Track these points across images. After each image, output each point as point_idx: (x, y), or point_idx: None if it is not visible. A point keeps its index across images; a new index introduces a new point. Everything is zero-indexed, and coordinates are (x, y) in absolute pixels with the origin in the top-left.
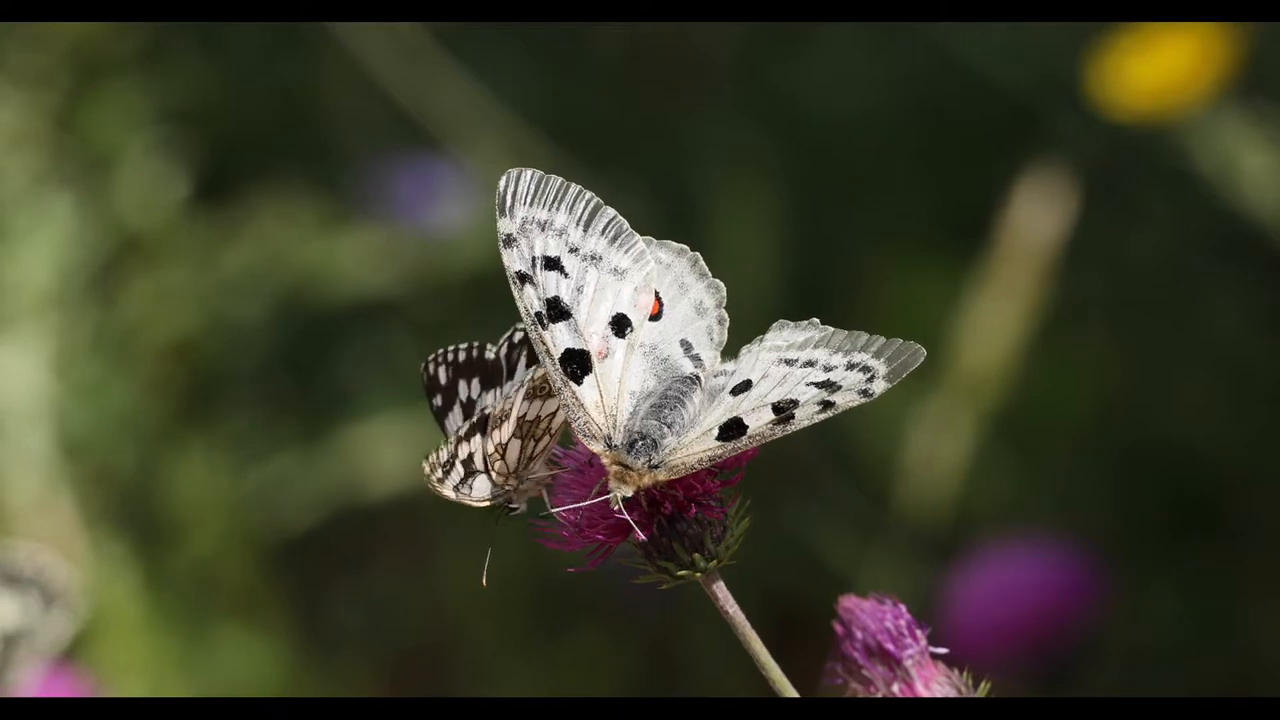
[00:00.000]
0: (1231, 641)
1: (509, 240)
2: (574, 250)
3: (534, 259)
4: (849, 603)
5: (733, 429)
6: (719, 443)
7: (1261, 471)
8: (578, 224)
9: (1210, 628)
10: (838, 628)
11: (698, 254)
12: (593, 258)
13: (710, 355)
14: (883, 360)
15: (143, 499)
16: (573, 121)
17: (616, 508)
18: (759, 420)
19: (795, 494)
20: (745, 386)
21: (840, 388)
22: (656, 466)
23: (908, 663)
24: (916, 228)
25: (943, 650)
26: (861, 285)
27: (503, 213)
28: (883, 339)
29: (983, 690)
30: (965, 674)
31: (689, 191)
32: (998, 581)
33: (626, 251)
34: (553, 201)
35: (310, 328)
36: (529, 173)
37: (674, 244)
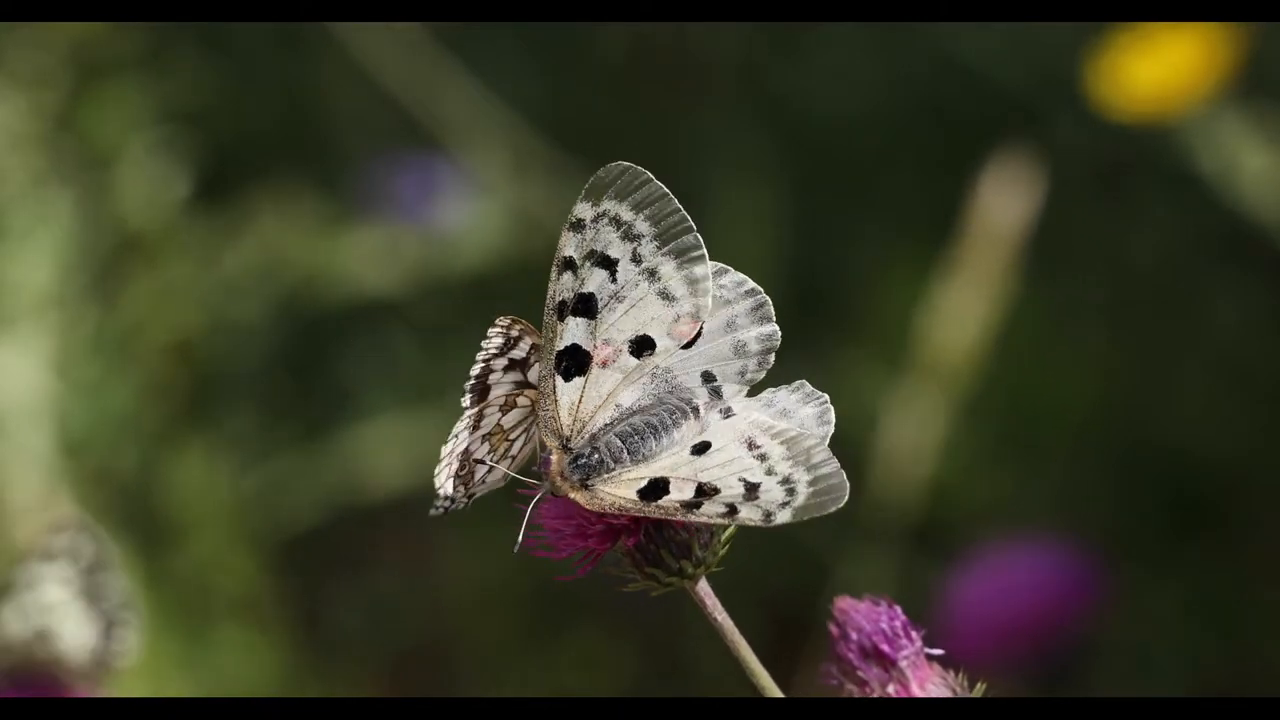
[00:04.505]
0: (1232, 641)
1: (578, 225)
2: (636, 260)
3: (591, 252)
4: (844, 604)
5: (654, 491)
6: (637, 496)
7: (1262, 471)
8: (656, 237)
9: (1210, 628)
10: (833, 629)
11: (766, 299)
12: (651, 273)
13: (733, 390)
14: (810, 492)
15: (143, 499)
16: (573, 121)
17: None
18: (678, 494)
19: None
20: (704, 448)
21: (757, 499)
22: (588, 487)
23: (903, 663)
24: (916, 227)
25: (938, 651)
26: (861, 284)
27: (587, 197)
28: (831, 466)
29: (978, 691)
30: (961, 675)
31: (689, 191)
32: (997, 581)
33: (688, 281)
34: (643, 205)
35: (310, 328)
36: (633, 169)
37: (748, 282)
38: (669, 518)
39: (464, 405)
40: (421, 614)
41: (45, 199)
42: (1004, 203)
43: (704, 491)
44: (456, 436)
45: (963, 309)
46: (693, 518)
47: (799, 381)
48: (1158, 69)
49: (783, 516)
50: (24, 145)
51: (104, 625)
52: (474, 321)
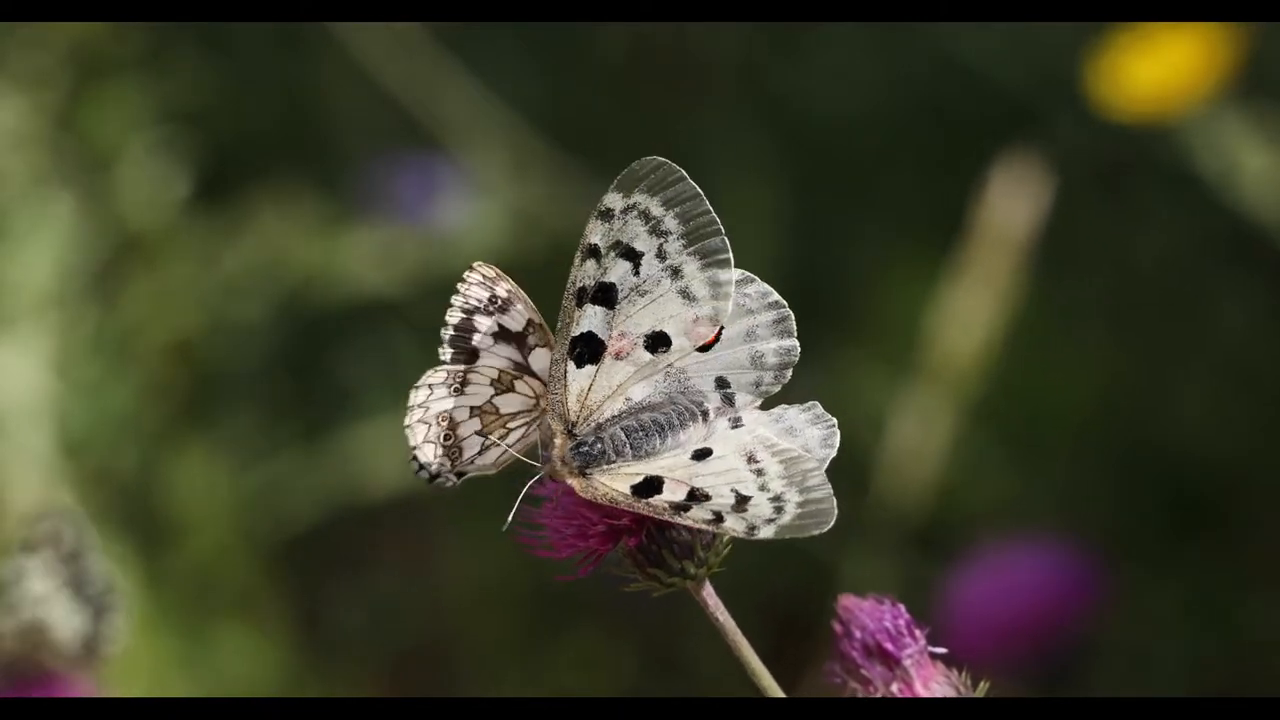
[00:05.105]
0: (1232, 641)
1: (606, 214)
2: (661, 256)
3: (616, 242)
4: (848, 602)
5: (647, 489)
6: (630, 491)
7: (1262, 471)
8: (683, 236)
9: (1211, 628)
10: (836, 627)
11: (790, 313)
12: (674, 271)
13: (746, 400)
14: (797, 513)
15: (143, 499)
16: (573, 121)
17: (541, 473)
18: (670, 495)
19: None
20: (705, 454)
21: (744, 512)
22: (585, 475)
23: (906, 662)
24: (917, 227)
25: (942, 650)
26: (861, 284)
27: (619, 188)
28: (823, 492)
29: (981, 690)
30: (964, 674)
31: None
32: (997, 581)
33: (711, 283)
34: (674, 202)
35: (310, 328)
36: (667, 165)
37: (773, 294)
38: (657, 516)
39: (442, 356)
40: (421, 614)
41: (45, 199)
42: (1012, 205)
43: (695, 496)
44: (430, 389)
45: (971, 312)
46: (679, 519)
47: (811, 402)
48: (1158, 69)
49: (766, 532)
50: (24, 145)
51: (92, 611)
52: None
